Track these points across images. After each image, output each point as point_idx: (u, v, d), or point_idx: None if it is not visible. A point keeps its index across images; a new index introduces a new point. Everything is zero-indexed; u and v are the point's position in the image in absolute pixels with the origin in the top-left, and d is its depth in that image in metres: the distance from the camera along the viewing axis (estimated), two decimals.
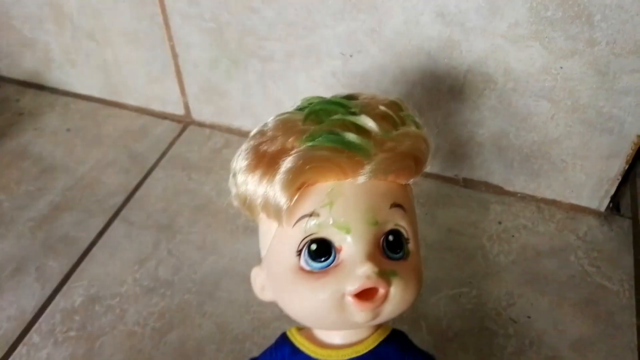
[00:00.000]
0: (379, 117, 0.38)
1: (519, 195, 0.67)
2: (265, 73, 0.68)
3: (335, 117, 0.37)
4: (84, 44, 0.77)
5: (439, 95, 0.61)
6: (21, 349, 0.55)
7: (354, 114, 0.38)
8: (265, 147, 0.37)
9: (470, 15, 0.53)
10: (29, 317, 0.58)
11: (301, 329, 0.42)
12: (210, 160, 0.74)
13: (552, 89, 0.56)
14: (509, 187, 0.67)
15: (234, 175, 0.39)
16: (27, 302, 0.59)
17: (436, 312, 0.57)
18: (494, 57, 0.56)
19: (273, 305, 0.57)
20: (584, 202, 0.65)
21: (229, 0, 0.63)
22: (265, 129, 0.39)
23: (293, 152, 0.36)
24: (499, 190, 0.68)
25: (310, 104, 0.40)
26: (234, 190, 0.40)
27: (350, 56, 0.61)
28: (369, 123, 0.37)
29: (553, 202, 0.66)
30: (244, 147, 0.39)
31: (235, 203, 0.40)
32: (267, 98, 0.71)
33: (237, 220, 0.66)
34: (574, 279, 0.60)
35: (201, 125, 0.79)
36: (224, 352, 0.55)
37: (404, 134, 0.38)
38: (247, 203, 0.38)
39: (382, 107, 0.39)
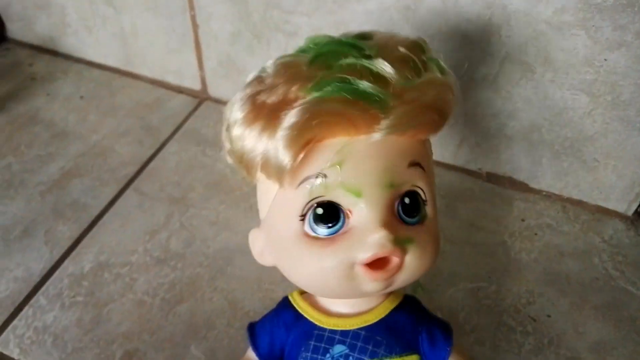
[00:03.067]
0: (398, 62, 0.33)
1: (544, 193, 0.65)
2: (289, 49, 0.65)
3: (347, 60, 0.33)
4: (102, 10, 0.75)
5: (470, 83, 0.59)
6: (27, 311, 0.54)
7: (368, 57, 0.33)
8: (264, 97, 0.33)
9: None
10: (36, 279, 0.57)
11: (303, 292, 0.39)
12: None
13: (593, 82, 0.54)
14: (534, 185, 0.65)
15: (228, 128, 0.35)
16: (35, 264, 0.58)
17: (453, 305, 0.55)
18: (535, 45, 0.53)
19: (285, 284, 0.55)
20: (611, 205, 0.63)
21: None
22: (264, 75, 0.35)
23: (297, 103, 0.32)
24: (523, 187, 0.66)
25: (317, 44, 0.36)
26: (227, 146, 0.36)
27: None
28: (387, 69, 0.33)
29: (579, 203, 0.64)
30: (238, 95, 0.35)
31: (230, 160, 0.36)
32: None
33: (251, 198, 0.64)
34: (597, 282, 0.58)
35: (217, 101, 0.77)
36: (235, 327, 0.53)
37: (429, 82, 0.33)
38: (243, 161, 0.35)
39: (401, 49, 0.35)
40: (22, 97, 0.77)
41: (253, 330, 0.41)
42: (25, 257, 0.58)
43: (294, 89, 0.33)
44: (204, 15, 0.68)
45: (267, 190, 0.36)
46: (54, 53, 0.85)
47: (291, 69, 0.34)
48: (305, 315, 0.38)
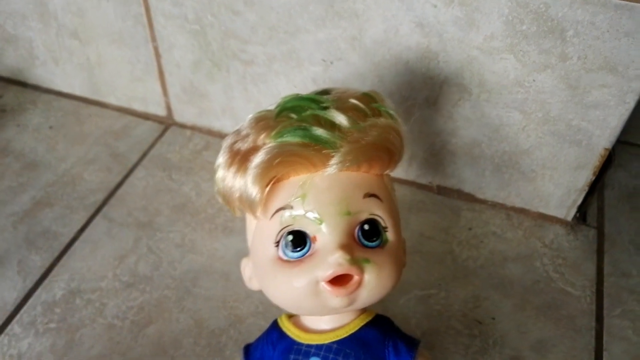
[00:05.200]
0: (349, 110, 0.39)
1: (489, 203, 0.70)
2: (247, 76, 0.69)
3: (306, 112, 0.39)
4: (68, 42, 0.78)
5: (415, 104, 0.63)
6: (2, 339, 0.56)
7: (325, 108, 0.39)
8: (239, 145, 0.40)
9: (448, 26, 0.55)
10: (10, 308, 0.59)
11: (291, 316, 0.44)
12: (190, 161, 0.75)
13: (524, 101, 0.58)
14: (480, 195, 0.69)
15: (215, 172, 0.41)
16: (8, 294, 0.60)
17: (405, 312, 0.59)
18: (470, 69, 0.58)
19: (248, 301, 0.59)
20: (551, 211, 0.68)
21: (212, 2, 0.64)
22: (241, 127, 0.41)
23: (263, 148, 0.38)
24: (470, 198, 0.70)
25: (284, 100, 0.42)
26: (216, 187, 0.42)
27: (331, 63, 0.63)
28: (338, 117, 0.39)
29: (522, 211, 0.69)
30: (222, 144, 0.41)
31: (219, 199, 0.42)
32: (248, 101, 0.72)
33: (215, 219, 0.67)
34: (538, 284, 0.62)
35: (182, 126, 0.80)
36: (201, 345, 0.56)
37: (372, 125, 0.39)
38: (226, 198, 0.41)
39: (352, 100, 0.41)
40: None
41: (247, 350, 0.45)
42: None
43: (261, 137, 0.39)
44: (165, 45, 0.72)
45: (250, 222, 0.42)
46: (23, 84, 0.87)
47: (261, 122, 0.40)
48: (288, 333, 0.42)
